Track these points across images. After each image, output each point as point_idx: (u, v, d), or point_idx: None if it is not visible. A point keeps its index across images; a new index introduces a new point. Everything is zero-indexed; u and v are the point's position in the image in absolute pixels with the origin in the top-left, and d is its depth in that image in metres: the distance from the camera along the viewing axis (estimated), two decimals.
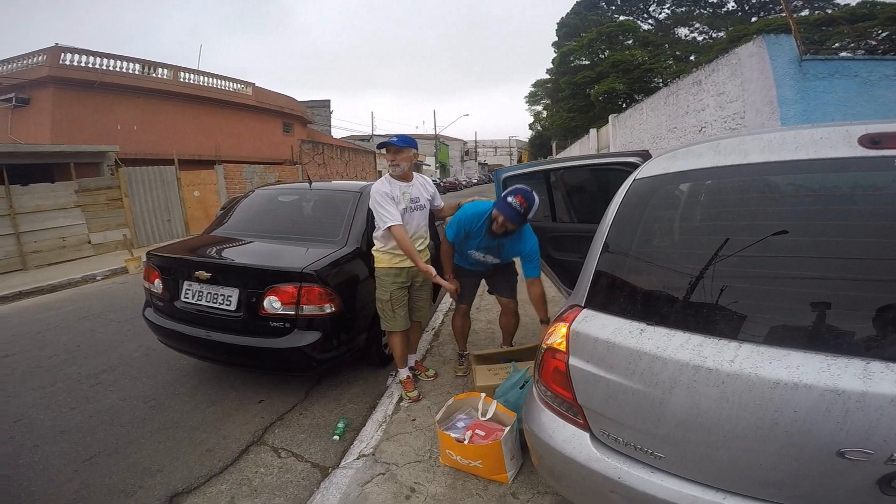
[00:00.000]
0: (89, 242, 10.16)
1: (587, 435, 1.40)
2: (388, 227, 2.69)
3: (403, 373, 3.02)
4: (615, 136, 16.46)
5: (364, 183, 3.63)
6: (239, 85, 20.11)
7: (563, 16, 32.19)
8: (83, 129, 13.33)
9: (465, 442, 2.07)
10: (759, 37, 6.32)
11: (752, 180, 1.39)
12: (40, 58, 13.64)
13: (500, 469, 2.04)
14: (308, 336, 2.75)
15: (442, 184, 36.32)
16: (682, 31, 27.54)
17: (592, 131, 20.47)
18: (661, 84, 18.45)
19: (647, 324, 1.30)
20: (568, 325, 1.46)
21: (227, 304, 2.86)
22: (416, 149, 2.93)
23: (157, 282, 3.15)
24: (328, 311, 2.77)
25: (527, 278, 2.85)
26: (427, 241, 3.03)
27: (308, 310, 2.74)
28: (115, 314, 5.26)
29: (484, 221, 2.77)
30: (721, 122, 8.05)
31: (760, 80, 6.30)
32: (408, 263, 2.82)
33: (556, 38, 32.48)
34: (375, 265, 2.88)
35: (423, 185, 2.98)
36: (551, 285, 3.29)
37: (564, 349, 1.44)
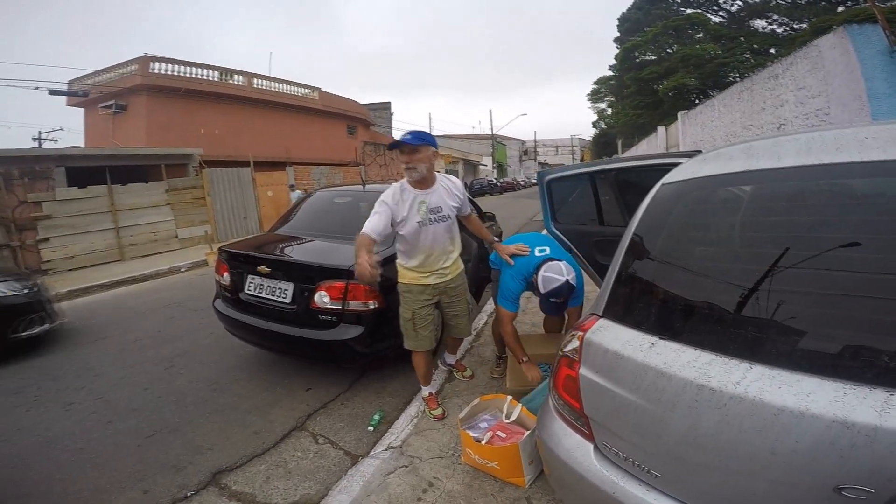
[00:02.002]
0: (177, 237, 11.27)
1: (591, 446, 1.39)
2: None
3: (426, 390, 2.91)
4: (685, 133, 15.52)
5: None
6: (306, 90, 21.29)
7: (625, 10, 30.91)
8: (172, 133, 14.82)
9: (484, 442, 2.12)
10: (840, 27, 5.72)
11: (785, 186, 1.27)
12: (132, 67, 15.26)
13: (517, 472, 2.06)
14: (352, 330, 2.92)
15: (499, 184, 36.10)
16: (759, 24, 25.24)
17: (661, 129, 19.46)
18: (737, 79, 17.14)
19: (660, 337, 1.26)
20: (583, 334, 1.45)
21: (283, 297, 3.10)
22: (436, 146, 2.54)
23: (226, 275, 3.46)
24: (372, 307, 2.92)
25: (568, 307, 2.64)
26: (455, 256, 2.75)
27: (353, 305, 2.90)
28: (193, 303, 5.82)
29: (528, 276, 2.62)
30: (803, 119, 7.36)
31: (846, 73, 5.69)
32: (433, 280, 2.63)
33: (619, 34, 31.27)
34: (398, 280, 2.71)
35: (447, 191, 2.58)
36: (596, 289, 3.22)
37: (577, 358, 1.43)
